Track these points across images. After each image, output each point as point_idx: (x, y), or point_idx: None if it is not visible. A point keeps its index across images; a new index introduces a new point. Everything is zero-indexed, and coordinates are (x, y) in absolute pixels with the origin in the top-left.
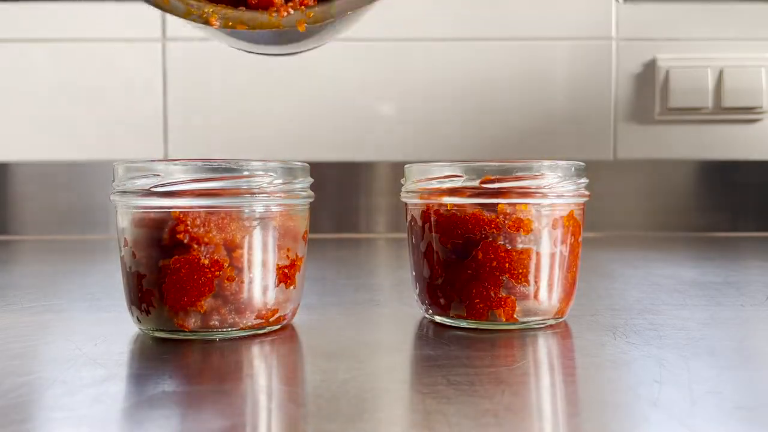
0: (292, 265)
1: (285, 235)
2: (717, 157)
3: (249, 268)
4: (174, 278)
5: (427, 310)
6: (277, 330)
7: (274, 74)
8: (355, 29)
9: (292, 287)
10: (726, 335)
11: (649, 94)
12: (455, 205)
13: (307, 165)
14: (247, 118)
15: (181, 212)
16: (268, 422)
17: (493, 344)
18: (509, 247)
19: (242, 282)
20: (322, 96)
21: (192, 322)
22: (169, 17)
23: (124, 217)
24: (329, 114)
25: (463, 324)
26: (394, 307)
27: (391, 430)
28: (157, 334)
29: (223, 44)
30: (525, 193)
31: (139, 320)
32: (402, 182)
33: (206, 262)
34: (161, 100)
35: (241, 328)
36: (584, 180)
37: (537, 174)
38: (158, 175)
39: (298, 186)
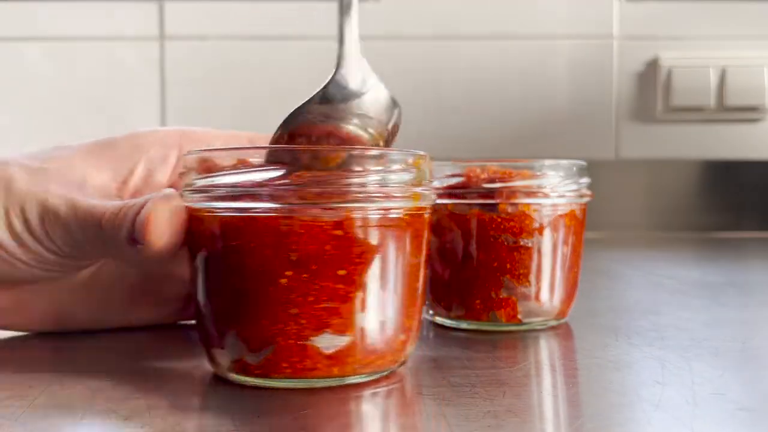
0: None
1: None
2: (720, 157)
3: None
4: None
5: (427, 311)
6: None
7: (275, 74)
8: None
9: None
10: (729, 336)
11: (651, 93)
12: (455, 204)
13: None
14: (247, 117)
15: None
16: (269, 422)
17: (494, 345)
18: (510, 248)
19: None
20: None
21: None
22: (167, 15)
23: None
24: None
25: (464, 325)
26: None
27: None
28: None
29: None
30: (526, 193)
31: None
32: None
33: None
34: (159, 99)
35: None
36: (586, 179)
37: (538, 173)
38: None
39: None
